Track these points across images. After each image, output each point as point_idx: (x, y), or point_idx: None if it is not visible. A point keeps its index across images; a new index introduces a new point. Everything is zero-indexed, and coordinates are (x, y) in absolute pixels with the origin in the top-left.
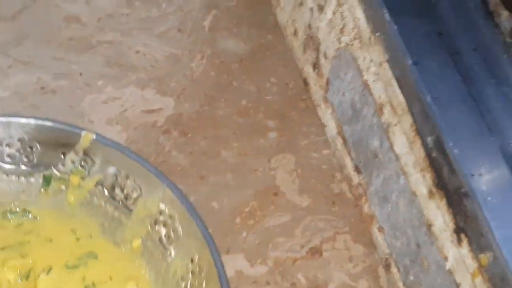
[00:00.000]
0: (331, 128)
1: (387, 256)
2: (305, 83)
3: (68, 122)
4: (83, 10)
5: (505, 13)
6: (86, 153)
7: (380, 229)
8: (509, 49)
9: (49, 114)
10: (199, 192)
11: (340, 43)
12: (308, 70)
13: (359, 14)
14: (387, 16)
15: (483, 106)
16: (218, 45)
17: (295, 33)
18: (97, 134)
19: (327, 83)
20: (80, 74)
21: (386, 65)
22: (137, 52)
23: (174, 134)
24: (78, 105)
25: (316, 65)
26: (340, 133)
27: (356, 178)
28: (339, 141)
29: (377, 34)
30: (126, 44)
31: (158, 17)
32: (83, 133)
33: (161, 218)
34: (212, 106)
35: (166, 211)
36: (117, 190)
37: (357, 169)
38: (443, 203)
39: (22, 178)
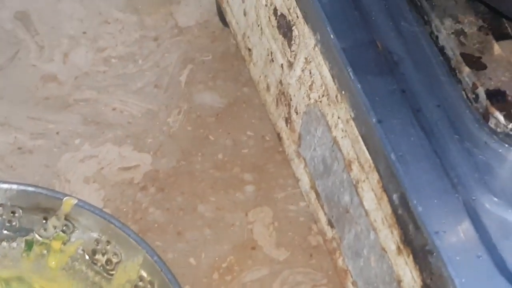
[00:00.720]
0: (305, 182)
1: None
2: (279, 137)
3: (49, 188)
4: (59, 69)
5: (466, 70)
6: (67, 218)
7: (354, 283)
8: (471, 105)
9: (26, 175)
10: (176, 249)
11: (309, 99)
12: (281, 125)
13: (326, 72)
14: (351, 74)
15: (446, 162)
16: (195, 100)
17: (268, 88)
18: (78, 200)
19: (299, 138)
20: (57, 133)
21: (352, 123)
22: (114, 109)
23: (151, 190)
24: (55, 164)
25: (288, 120)
26: (313, 187)
27: (329, 232)
28: (312, 195)
29: (343, 92)
30: (103, 101)
31: (134, 74)
32: (65, 198)
33: (141, 284)
34: (189, 161)
35: (146, 277)
36: (98, 255)
37: (330, 223)
38: (410, 260)
39: (4, 243)
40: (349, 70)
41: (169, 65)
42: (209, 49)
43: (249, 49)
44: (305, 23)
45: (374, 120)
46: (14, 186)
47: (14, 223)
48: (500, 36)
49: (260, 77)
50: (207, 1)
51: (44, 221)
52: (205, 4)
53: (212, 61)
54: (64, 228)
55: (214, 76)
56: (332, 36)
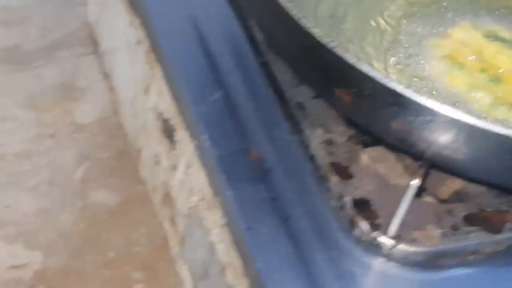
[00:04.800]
0: (187, 284)
1: None
2: (165, 237)
3: None
4: None
5: (334, 179)
6: None
7: None
8: (338, 213)
9: None
10: None
11: (190, 202)
12: (167, 226)
13: (203, 177)
14: (224, 181)
15: (311, 270)
16: (89, 197)
17: (155, 189)
18: None
19: (182, 240)
20: None
21: (226, 229)
22: (7, 206)
23: None
24: None
25: (172, 222)
26: None
27: None
28: None
29: (217, 198)
30: None
31: (29, 171)
32: None
33: None
34: (80, 259)
35: None
36: None
37: None
38: None
39: None
40: (222, 177)
41: (65, 162)
42: (106, 147)
43: (139, 150)
44: (186, 129)
45: (243, 227)
46: None
47: None
48: (369, 143)
49: (148, 178)
50: (106, 98)
51: None
52: (104, 101)
53: (108, 159)
54: None
55: (110, 174)
56: (208, 143)
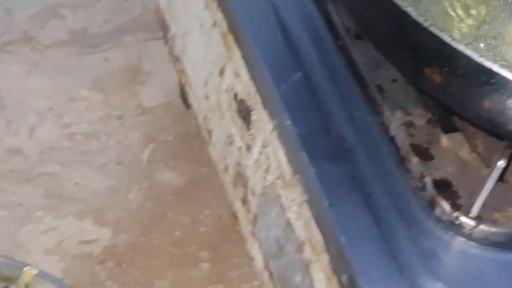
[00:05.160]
0: (259, 262)
1: None
2: (235, 217)
3: (10, 257)
4: (25, 143)
5: (414, 159)
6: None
7: None
8: (418, 193)
9: None
10: None
11: (265, 181)
12: (238, 205)
13: (282, 156)
14: (305, 160)
15: (394, 247)
16: (155, 178)
17: (226, 169)
18: (39, 271)
19: (255, 218)
20: (20, 205)
21: (305, 205)
22: (76, 183)
23: (109, 264)
24: (16, 235)
25: (244, 201)
26: (267, 267)
27: None
28: (265, 275)
29: (297, 176)
30: (66, 176)
31: (98, 150)
32: (25, 268)
33: None
34: (147, 237)
35: None
36: None
37: None
38: None
39: None
40: (303, 155)
41: (132, 143)
42: (171, 129)
43: (210, 131)
44: (264, 108)
45: (326, 203)
46: None
47: None
48: (449, 129)
49: (219, 158)
50: (170, 82)
51: None
52: (169, 85)
53: (173, 141)
54: None
55: (175, 156)
56: (288, 122)
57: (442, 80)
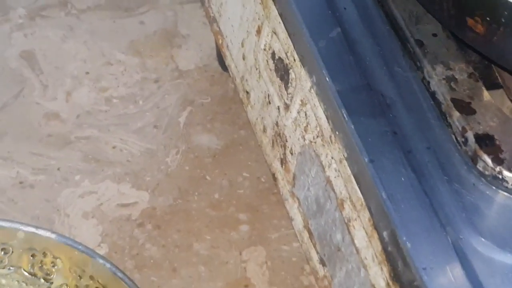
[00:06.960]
0: (298, 222)
1: None
2: (274, 178)
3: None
4: (62, 107)
5: (456, 114)
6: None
7: None
8: (460, 148)
9: (26, 209)
10: (171, 285)
11: (304, 140)
12: (276, 166)
13: (321, 113)
14: (345, 116)
15: (435, 202)
16: (193, 140)
17: (264, 130)
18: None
19: (294, 178)
20: (58, 169)
21: (345, 163)
22: (114, 147)
23: (148, 227)
24: (55, 199)
25: (283, 161)
26: (306, 226)
27: (321, 271)
28: (305, 235)
29: (337, 133)
30: (104, 139)
31: (135, 114)
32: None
33: None
34: (186, 199)
35: None
36: None
37: (322, 262)
38: None
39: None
40: (343, 111)
41: (169, 106)
42: (208, 92)
43: (247, 92)
44: (302, 66)
45: (366, 160)
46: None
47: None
48: (491, 85)
49: (257, 119)
50: (207, 45)
51: None
52: (205, 48)
53: (210, 104)
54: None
55: (212, 119)
56: (327, 79)
57: (484, 30)
